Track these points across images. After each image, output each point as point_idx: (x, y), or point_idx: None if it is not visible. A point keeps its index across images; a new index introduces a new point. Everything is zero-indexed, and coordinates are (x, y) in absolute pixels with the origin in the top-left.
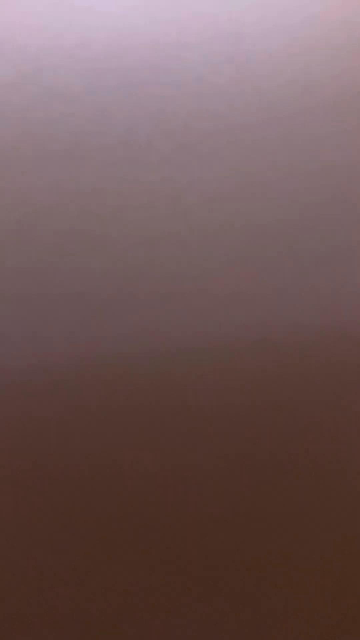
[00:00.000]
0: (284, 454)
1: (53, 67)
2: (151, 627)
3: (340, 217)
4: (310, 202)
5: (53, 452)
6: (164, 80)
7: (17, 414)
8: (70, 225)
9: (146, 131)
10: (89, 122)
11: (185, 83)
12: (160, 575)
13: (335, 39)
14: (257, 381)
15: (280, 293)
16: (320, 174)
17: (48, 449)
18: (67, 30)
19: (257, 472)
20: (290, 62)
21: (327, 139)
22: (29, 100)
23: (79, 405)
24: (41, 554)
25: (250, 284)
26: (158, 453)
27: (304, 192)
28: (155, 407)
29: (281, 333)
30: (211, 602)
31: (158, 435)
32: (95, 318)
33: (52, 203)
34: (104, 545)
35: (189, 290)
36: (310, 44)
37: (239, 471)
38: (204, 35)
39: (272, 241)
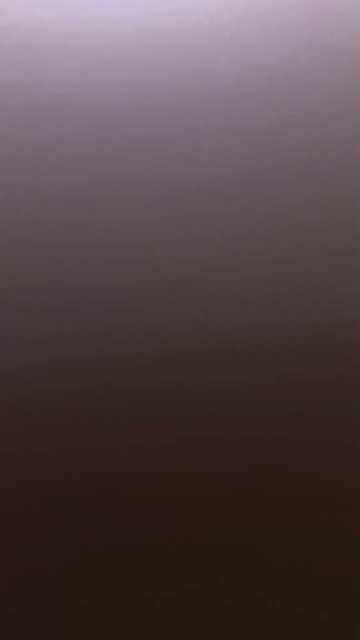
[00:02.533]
0: (284, 453)
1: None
2: (151, 626)
3: (342, 218)
4: (311, 202)
5: (52, 452)
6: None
7: (19, 413)
8: (73, 227)
9: (146, 127)
10: (87, 121)
11: (185, 79)
12: (159, 568)
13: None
14: (257, 382)
15: (280, 295)
16: (322, 173)
17: (47, 449)
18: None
19: (257, 475)
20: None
21: (329, 137)
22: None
23: (78, 405)
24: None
25: (251, 286)
26: (158, 454)
27: (304, 193)
28: (156, 407)
29: (281, 335)
30: (210, 602)
31: (158, 436)
32: (96, 319)
33: (52, 201)
34: (104, 543)
35: (190, 292)
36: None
37: (239, 473)
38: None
39: (272, 242)
